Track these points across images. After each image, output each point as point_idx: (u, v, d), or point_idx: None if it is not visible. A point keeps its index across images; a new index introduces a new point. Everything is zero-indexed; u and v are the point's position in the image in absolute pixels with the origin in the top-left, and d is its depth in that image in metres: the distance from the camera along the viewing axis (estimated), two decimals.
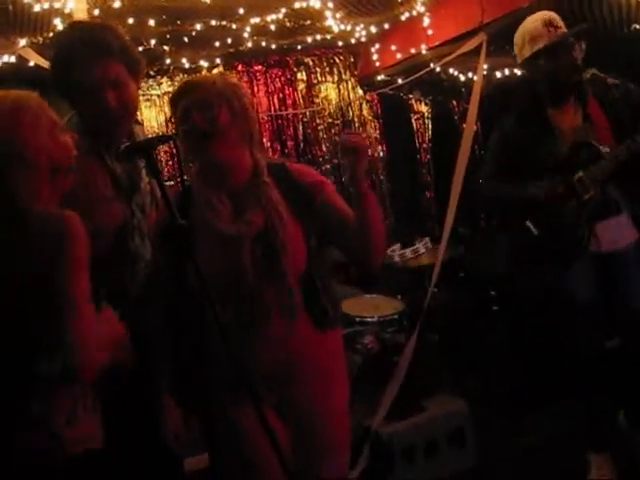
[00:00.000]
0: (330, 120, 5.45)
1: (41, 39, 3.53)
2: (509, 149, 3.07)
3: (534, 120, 3.02)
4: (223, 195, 2.08)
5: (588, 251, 2.91)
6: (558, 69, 2.89)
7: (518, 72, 5.22)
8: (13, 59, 3.55)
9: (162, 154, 4.74)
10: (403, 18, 4.31)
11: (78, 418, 1.67)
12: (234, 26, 4.04)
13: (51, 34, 3.42)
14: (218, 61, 4.83)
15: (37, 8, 3.21)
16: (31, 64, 3.50)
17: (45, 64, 3.29)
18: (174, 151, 4.71)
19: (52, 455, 1.63)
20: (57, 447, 1.63)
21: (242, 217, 2.05)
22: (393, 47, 4.67)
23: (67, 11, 3.25)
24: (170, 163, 4.84)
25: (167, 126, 4.83)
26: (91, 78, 2.04)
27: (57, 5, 3.24)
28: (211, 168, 2.07)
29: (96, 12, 3.32)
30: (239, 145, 2.06)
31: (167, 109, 4.88)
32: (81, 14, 3.10)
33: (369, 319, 3.90)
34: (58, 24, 3.31)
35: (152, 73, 4.75)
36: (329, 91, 5.44)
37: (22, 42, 3.44)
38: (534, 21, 2.93)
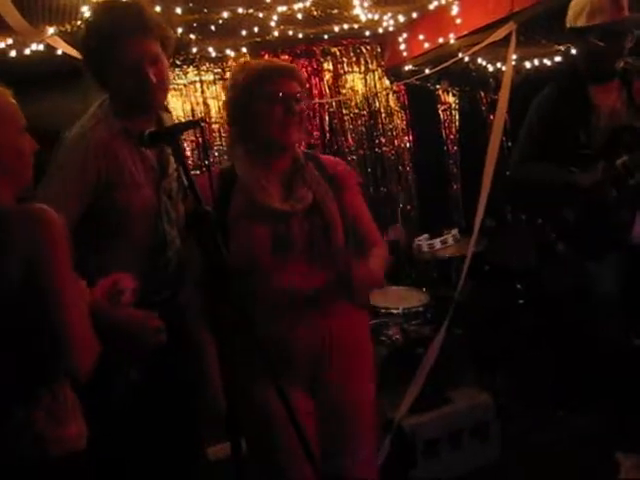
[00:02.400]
0: (356, 111, 5.41)
1: (69, 27, 3.54)
2: (545, 125, 2.98)
3: (574, 95, 2.92)
4: (271, 176, 2.17)
5: (628, 241, 2.84)
6: (605, 51, 2.80)
7: (548, 63, 5.14)
8: (42, 47, 3.57)
9: (188, 142, 4.74)
10: (431, 7, 4.25)
11: (61, 417, 1.65)
12: (261, 15, 4.01)
13: (79, 22, 3.43)
14: (244, 50, 4.81)
15: None
16: (59, 52, 3.52)
17: (73, 52, 3.31)
18: (199, 140, 4.72)
19: (36, 457, 1.61)
20: (41, 449, 1.61)
21: (292, 195, 2.16)
22: (421, 37, 4.62)
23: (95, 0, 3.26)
24: (195, 152, 4.84)
25: (193, 115, 4.84)
26: (134, 55, 2.07)
27: None
28: (267, 149, 2.16)
29: (123, 1, 3.32)
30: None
31: (193, 98, 4.89)
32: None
33: (394, 311, 3.88)
34: (86, 12, 3.31)
35: (178, 62, 4.74)
36: (356, 81, 5.40)
37: (50, 30, 3.44)
38: None
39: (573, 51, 4.79)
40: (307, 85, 5.11)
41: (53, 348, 1.57)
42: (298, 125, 2.16)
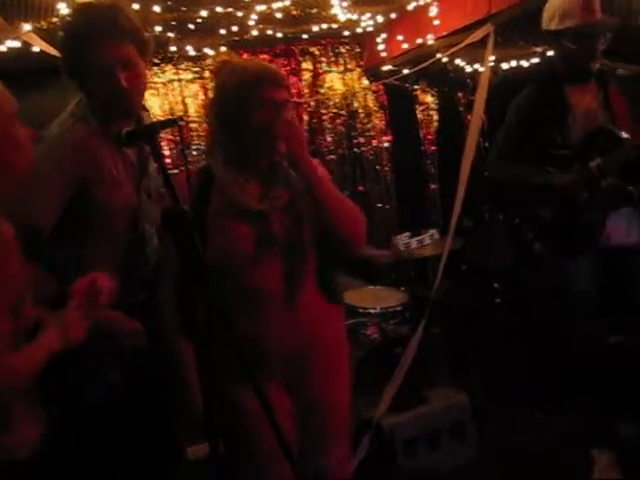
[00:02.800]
0: (335, 110, 5.41)
1: (45, 24, 3.50)
2: (523, 126, 3.02)
3: (551, 96, 2.96)
4: (249, 175, 2.17)
5: (599, 242, 2.88)
6: (577, 54, 2.85)
7: (525, 64, 5.18)
8: (18, 44, 3.53)
9: (166, 141, 4.72)
10: (410, 7, 4.27)
11: (15, 423, 1.64)
12: (240, 14, 4.00)
13: (55, 19, 3.40)
14: (223, 49, 4.79)
15: None
16: (35, 49, 3.48)
17: (49, 49, 3.28)
18: (178, 139, 4.70)
19: None
20: None
21: (269, 194, 2.17)
22: (399, 37, 4.63)
23: None
24: (174, 151, 4.82)
25: (171, 114, 4.81)
26: (104, 58, 2.05)
27: None
28: (246, 150, 2.15)
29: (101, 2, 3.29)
30: None
31: (171, 97, 4.86)
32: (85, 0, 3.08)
33: (372, 310, 3.89)
34: (62, 9, 3.28)
35: (156, 61, 4.71)
36: (334, 81, 5.40)
37: (26, 27, 3.41)
38: None
39: (550, 53, 4.86)
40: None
41: None
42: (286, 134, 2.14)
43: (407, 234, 4.32)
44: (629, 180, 2.87)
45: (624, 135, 2.83)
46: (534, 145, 2.96)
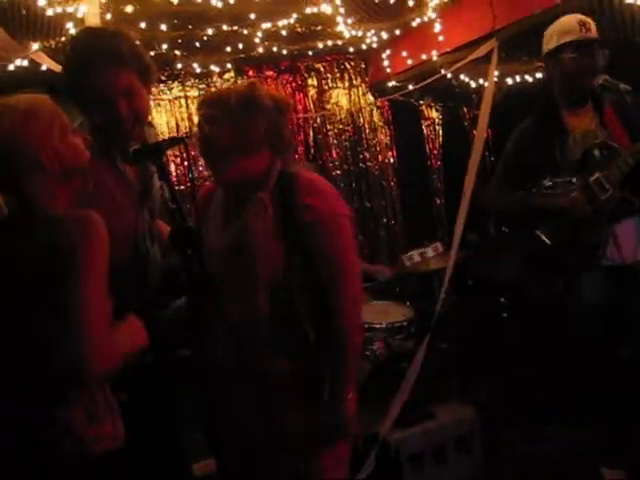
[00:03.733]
0: (341, 126, 5.45)
1: (53, 43, 3.54)
2: (522, 155, 3.07)
3: (549, 123, 3.02)
4: (225, 200, 2.17)
5: (602, 263, 2.88)
6: (577, 66, 2.90)
7: (530, 79, 5.20)
8: (26, 63, 3.56)
9: (172, 157, 4.75)
10: (414, 24, 4.30)
11: (99, 418, 1.69)
12: (245, 31, 4.04)
13: (63, 38, 3.44)
14: (229, 66, 4.85)
15: (50, 12, 3.22)
16: (43, 68, 3.52)
17: (57, 68, 3.31)
18: (184, 155, 4.73)
19: (73, 455, 1.64)
20: (78, 447, 1.64)
21: (228, 226, 2.12)
22: (404, 53, 4.66)
23: (80, 15, 3.26)
24: (180, 168, 4.85)
25: (177, 131, 4.86)
26: (103, 87, 2.05)
27: (70, 9, 3.25)
28: (216, 176, 2.17)
29: (108, 16, 3.33)
30: (246, 155, 2.07)
31: (178, 114, 4.90)
32: (93, 19, 3.11)
33: (377, 325, 3.89)
34: (71, 28, 3.32)
35: (163, 78, 4.77)
36: (340, 97, 5.45)
37: (35, 46, 3.44)
38: (569, 18, 2.97)
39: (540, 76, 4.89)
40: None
41: (70, 351, 1.59)
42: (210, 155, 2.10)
43: (414, 253, 4.32)
44: (630, 191, 2.88)
45: (621, 148, 2.86)
46: (534, 170, 3.00)
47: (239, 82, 5.02)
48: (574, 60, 2.91)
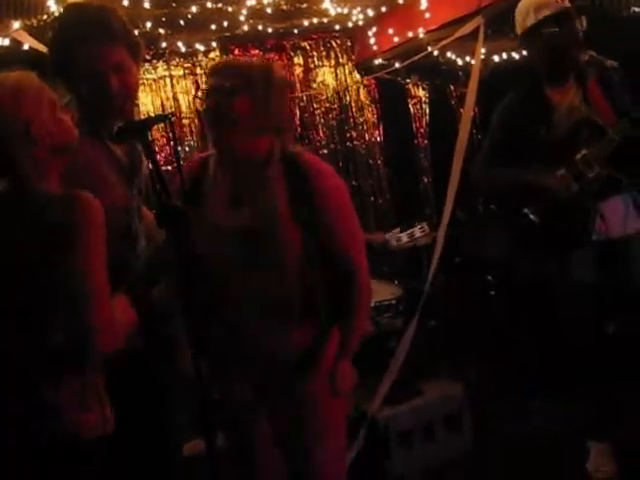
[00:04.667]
0: (327, 105, 5.42)
1: (35, 22, 3.49)
2: (507, 129, 3.06)
3: (532, 99, 3.01)
4: (228, 180, 2.10)
5: (591, 238, 2.89)
6: (562, 39, 2.88)
7: (516, 56, 5.19)
8: (7, 42, 3.51)
9: (158, 137, 4.71)
10: (401, 1, 4.27)
11: (87, 405, 1.70)
12: (230, 9, 4.00)
13: (45, 16, 3.39)
14: (214, 45, 4.79)
15: None
16: (25, 47, 3.47)
17: (39, 47, 3.27)
18: (170, 135, 4.69)
19: (63, 438, 1.65)
20: (66, 431, 1.65)
21: (238, 208, 2.07)
22: (390, 31, 4.63)
23: None
24: (166, 148, 4.81)
25: (163, 110, 4.81)
26: (95, 62, 2.03)
27: None
28: (222, 153, 2.10)
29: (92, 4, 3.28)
30: (256, 135, 2.05)
31: (163, 93, 4.86)
32: None
33: None
34: (52, 6, 3.27)
35: (148, 57, 4.70)
36: (326, 75, 5.41)
37: (16, 25, 3.39)
38: None
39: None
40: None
41: (74, 331, 1.61)
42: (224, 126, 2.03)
43: (397, 230, 4.33)
44: (617, 168, 2.89)
45: (606, 125, 2.86)
46: (520, 147, 2.99)
47: None
48: (556, 34, 2.88)
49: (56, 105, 1.76)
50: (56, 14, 3.17)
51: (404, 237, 4.15)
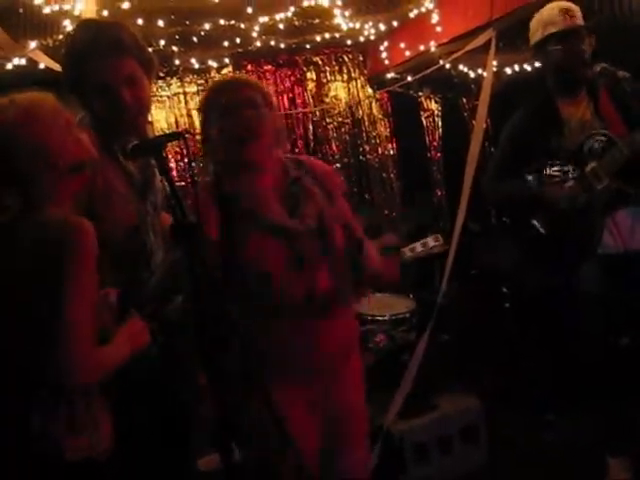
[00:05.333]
0: (340, 119, 5.44)
1: (51, 41, 3.54)
2: (518, 142, 3.07)
3: (543, 112, 3.01)
4: (267, 192, 2.15)
5: (597, 251, 2.88)
6: (565, 57, 2.90)
7: (528, 68, 5.19)
8: (24, 61, 3.56)
9: (172, 153, 4.75)
10: (412, 15, 4.29)
11: (80, 426, 1.68)
12: (243, 25, 4.04)
13: (61, 36, 3.44)
14: (227, 61, 4.84)
15: (47, 10, 3.23)
16: (41, 66, 3.52)
17: (55, 66, 3.31)
18: (184, 151, 4.73)
19: (50, 461, 1.64)
20: (55, 455, 1.63)
21: (297, 213, 2.14)
22: (402, 45, 4.66)
23: (77, 13, 3.26)
24: (180, 164, 4.85)
25: (177, 126, 4.85)
26: (107, 76, 2.05)
27: (67, 7, 3.26)
28: (245, 168, 2.13)
29: (105, 13, 3.33)
30: (271, 146, 2.16)
31: (177, 110, 4.90)
32: (90, 15, 3.12)
33: (380, 318, 3.89)
34: (68, 26, 3.32)
35: (161, 74, 4.75)
36: (339, 90, 5.44)
37: (32, 45, 3.45)
38: (551, 8, 2.94)
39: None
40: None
41: (53, 358, 1.59)
42: (259, 139, 2.10)
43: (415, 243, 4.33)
44: (626, 181, 2.87)
45: (617, 137, 2.85)
46: (530, 159, 3.00)
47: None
48: (560, 51, 2.90)
49: (72, 124, 1.77)
50: (70, 33, 3.21)
51: (418, 246, 4.15)
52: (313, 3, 3.86)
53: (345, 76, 5.43)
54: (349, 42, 4.98)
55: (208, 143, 2.19)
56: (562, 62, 2.91)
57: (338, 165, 5.36)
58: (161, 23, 3.67)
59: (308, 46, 4.92)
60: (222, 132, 2.08)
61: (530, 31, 3.04)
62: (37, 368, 1.61)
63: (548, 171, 2.96)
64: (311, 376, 2.17)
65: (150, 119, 4.59)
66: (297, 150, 5.21)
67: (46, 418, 1.63)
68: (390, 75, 5.18)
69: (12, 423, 1.65)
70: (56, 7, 3.24)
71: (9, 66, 3.58)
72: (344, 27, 4.37)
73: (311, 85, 5.34)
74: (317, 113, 5.36)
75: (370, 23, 4.48)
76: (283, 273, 2.07)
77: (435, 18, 4.16)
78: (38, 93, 1.75)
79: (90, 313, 1.64)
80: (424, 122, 5.80)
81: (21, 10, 3.19)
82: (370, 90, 5.51)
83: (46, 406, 1.64)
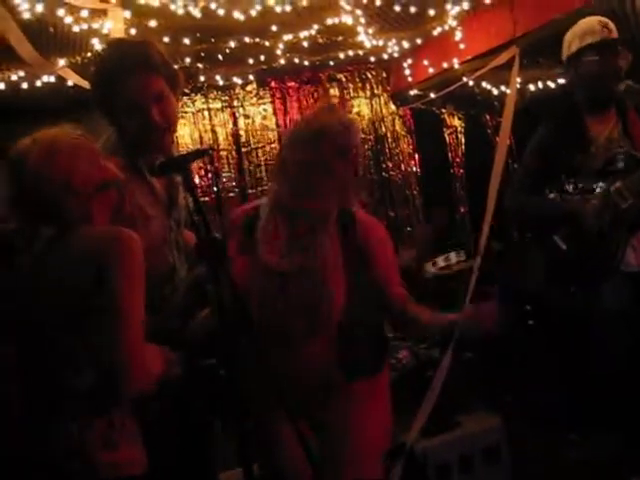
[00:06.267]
0: (363, 135, 5.44)
1: (79, 59, 3.61)
2: (543, 157, 3.04)
3: (571, 128, 2.98)
4: (285, 228, 2.17)
5: (620, 270, 2.85)
6: (600, 69, 2.86)
7: (552, 85, 5.18)
8: (53, 79, 3.63)
9: (197, 169, 4.79)
10: (435, 33, 4.32)
11: (116, 442, 1.68)
12: (267, 43, 4.08)
13: (89, 54, 3.50)
14: (251, 78, 4.89)
15: (76, 29, 3.29)
16: (70, 84, 3.58)
17: (84, 84, 3.36)
18: (208, 167, 4.78)
19: (84, 478, 1.64)
20: (90, 472, 1.64)
21: (290, 255, 2.15)
22: (425, 62, 4.68)
23: (105, 31, 3.32)
24: (205, 179, 4.90)
25: (201, 143, 4.90)
26: (136, 93, 2.07)
27: (95, 26, 3.32)
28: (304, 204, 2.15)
29: (133, 32, 3.39)
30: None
31: (201, 126, 4.95)
32: (118, 34, 3.17)
33: (403, 334, 3.88)
34: (96, 44, 3.38)
35: (187, 91, 4.81)
36: (362, 106, 5.46)
37: (61, 62, 3.51)
38: (590, 20, 2.92)
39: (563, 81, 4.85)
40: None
41: (106, 368, 1.62)
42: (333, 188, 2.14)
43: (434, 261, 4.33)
44: None
45: None
46: (555, 175, 2.98)
47: (261, 94, 5.07)
48: (596, 62, 2.86)
49: (96, 152, 1.82)
50: (100, 52, 3.27)
51: (440, 261, 4.15)
52: (337, 21, 3.89)
53: (368, 93, 5.46)
54: (372, 59, 5.01)
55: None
56: (597, 74, 2.87)
57: (361, 182, 5.36)
58: (187, 41, 3.73)
59: (332, 63, 4.95)
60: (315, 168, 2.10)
61: (565, 42, 2.99)
62: (81, 382, 1.64)
63: (569, 188, 2.94)
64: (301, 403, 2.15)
65: (175, 136, 4.66)
66: None
67: (83, 433, 1.64)
68: (413, 92, 5.20)
69: (44, 438, 1.66)
70: (85, 26, 3.30)
71: (38, 83, 3.65)
72: (367, 44, 4.40)
73: (334, 101, 5.36)
74: None
75: (393, 40, 4.51)
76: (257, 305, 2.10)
77: (458, 36, 4.17)
78: (58, 129, 1.80)
79: (142, 318, 1.68)
80: (447, 139, 5.81)
81: (51, 29, 3.25)
82: (393, 107, 5.53)
83: (80, 421, 1.65)
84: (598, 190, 2.89)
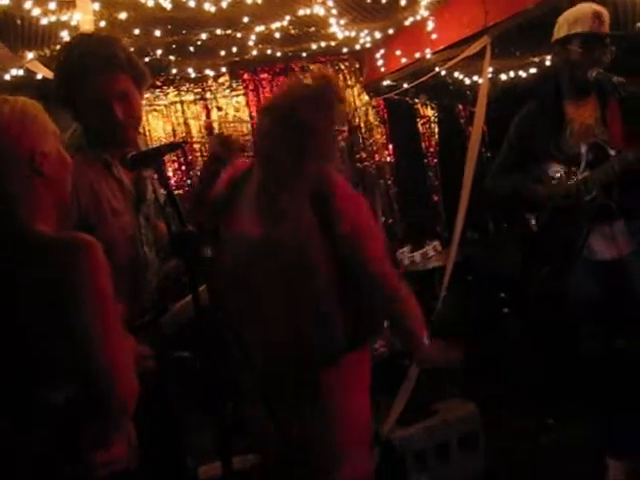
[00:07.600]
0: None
1: (48, 52, 3.56)
2: (522, 137, 3.06)
3: (550, 110, 2.99)
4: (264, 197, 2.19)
5: (582, 255, 2.89)
6: (580, 62, 2.85)
7: (523, 74, 5.22)
8: (21, 72, 3.58)
9: (170, 162, 4.76)
10: (407, 23, 4.32)
11: (108, 442, 1.65)
12: (239, 35, 4.06)
13: (58, 46, 3.45)
14: (224, 70, 4.86)
15: (44, 21, 3.24)
16: (39, 77, 3.53)
17: (52, 76, 3.32)
18: (182, 159, 4.75)
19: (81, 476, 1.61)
20: (82, 472, 1.60)
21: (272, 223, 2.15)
22: (398, 52, 4.68)
23: (74, 23, 3.27)
24: (178, 172, 4.87)
25: (174, 136, 4.86)
26: (100, 90, 2.05)
27: (64, 18, 3.27)
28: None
29: (102, 24, 3.35)
30: None
31: (174, 119, 4.91)
32: (87, 26, 3.12)
33: None
34: (65, 36, 3.34)
35: (158, 83, 4.77)
36: None
37: (30, 55, 3.46)
38: (584, 7, 2.88)
39: (547, 63, 4.89)
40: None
41: (88, 376, 1.54)
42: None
43: (406, 248, 4.34)
44: (612, 195, 2.87)
45: (613, 152, 2.84)
46: (531, 155, 3.00)
47: (233, 85, 5.04)
48: (579, 54, 2.85)
49: (58, 137, 1.71)
50: (64, 47, 3.22)
51: (417, 257, 4.16)
52: (309, 12, 3.88)
53: (341, 83, 5.44)
54: (345, 50, 5.00)
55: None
56: (577, 65, 2.88)
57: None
58: (158, 33, 3.68)
59: (304, 54, 4.94)
60: None
61: (557, 24, 2.96)
62: (67, 394, 1.56)
63: (549, 171, 2.96)
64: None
65: (146, 128, 4.62)
66: None
67: (71, 434, 1.60)
68: (386, 82, 5.21)
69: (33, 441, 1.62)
70: (53, 18, 3.25)
71: (7, 77, 3.60)
72: (340, 35, 4.39)
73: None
74: None
75: (366, 31, 4.50)
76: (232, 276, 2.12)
77: (430, 25, 4.18)
78: (29, 100, 1.67)
79: (117, 320, 1.59)
80: (420, 129, 5.83)
81: (19, 21, 3.20)
82: (366, 97, 5.53)
83: (70, 421, 1.60)
84: (570, 174, 2.91)
